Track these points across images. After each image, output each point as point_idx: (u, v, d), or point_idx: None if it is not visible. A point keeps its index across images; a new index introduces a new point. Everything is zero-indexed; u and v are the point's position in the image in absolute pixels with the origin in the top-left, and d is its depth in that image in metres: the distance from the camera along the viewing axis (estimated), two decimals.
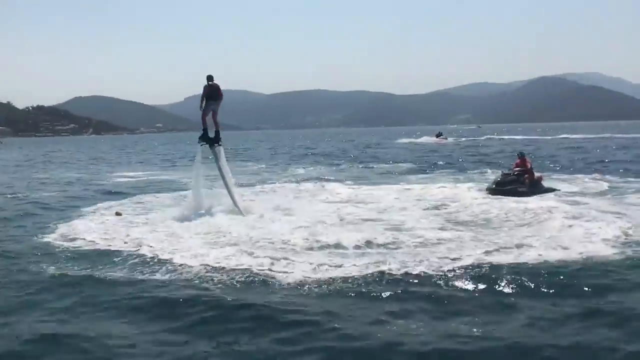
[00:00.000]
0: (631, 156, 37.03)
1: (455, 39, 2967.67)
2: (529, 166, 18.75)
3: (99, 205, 18.59)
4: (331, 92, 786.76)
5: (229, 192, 16.32)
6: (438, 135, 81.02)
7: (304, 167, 35.28)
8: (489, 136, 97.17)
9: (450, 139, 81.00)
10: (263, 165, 38.35)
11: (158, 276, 9.74)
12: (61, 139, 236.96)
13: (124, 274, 9.97)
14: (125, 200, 19.78)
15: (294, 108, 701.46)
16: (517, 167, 18.87)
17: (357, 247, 11.30)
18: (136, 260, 10.84)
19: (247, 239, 12.22)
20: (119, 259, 10.99)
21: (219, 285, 9.11)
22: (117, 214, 16.16)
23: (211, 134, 16.31)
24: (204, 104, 15.83)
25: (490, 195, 17.73)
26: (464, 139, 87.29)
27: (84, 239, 12.81)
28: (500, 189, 18.00)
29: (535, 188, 18.08)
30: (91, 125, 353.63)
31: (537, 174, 19.22)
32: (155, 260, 10.73)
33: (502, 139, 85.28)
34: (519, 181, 18.14)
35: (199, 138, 16.38)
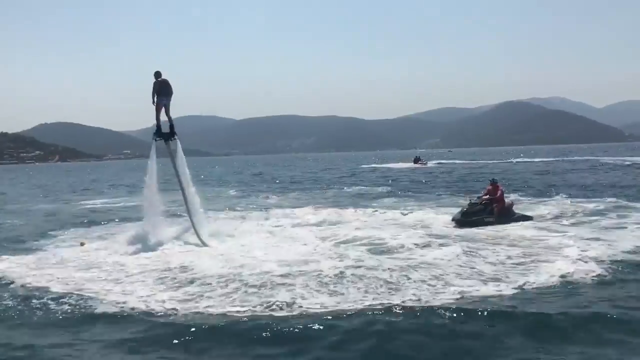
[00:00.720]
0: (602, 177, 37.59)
1: (422, 64, 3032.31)
2: (499, 194, 18.24)
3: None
4: (301, 117, 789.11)
5: (189, 214, 15.80)
6: (417, 160, 77.99)
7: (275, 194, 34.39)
8: (462, 161, 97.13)
9: (430, 164, 79.05)
10: (233, 191, 37.80)
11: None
12: (26, 166, 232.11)
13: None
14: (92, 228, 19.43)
15: (265, 133, 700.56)
16: (487, 194, 18.46)
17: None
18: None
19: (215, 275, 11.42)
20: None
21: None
22: (82, 244, 15.65)
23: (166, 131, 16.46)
24: (155, 99, 15.85)
25: (457, 227, 17.34)
26: (437, 162, 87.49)
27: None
28: (466, 219, 17.57)
29: (504, 217, 17.65)
30: (57, 152, 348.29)
31: (507, 201, 18.85)
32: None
33: (484, 162, 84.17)
34: (487, 210, 17.75)
35: (154, 134, 16.36)
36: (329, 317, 8.43)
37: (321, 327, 7.98)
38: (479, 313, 8.41)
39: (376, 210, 22.54)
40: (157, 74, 15.85)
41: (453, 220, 17.97)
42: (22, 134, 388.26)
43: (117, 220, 21.80)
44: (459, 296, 9.48)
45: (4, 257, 14.21)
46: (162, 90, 15.84)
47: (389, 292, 9.70)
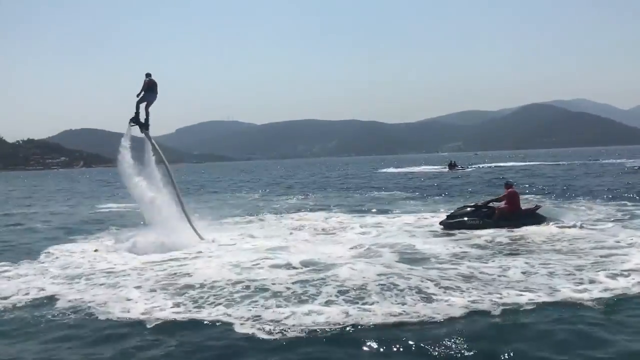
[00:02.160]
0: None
1: (444, 66, 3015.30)
2: (506, 197, 17.35)
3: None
4: (322, 121, 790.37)
5: (183, 209, 16.59)
6: (453, 166, 67.22)
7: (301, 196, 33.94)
8: (501, 164, 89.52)
9: (468, 168, 69.37)
10: (256, 196, 36.91)
11: None
12: (51, 172, 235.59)
13: None
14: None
15: (286, 138, 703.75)
16: (502, 198, 17.66)
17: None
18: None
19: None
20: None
21: None
22: (95, 250, 15.51)
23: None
24: (142, 94, 17.14)
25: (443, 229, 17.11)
26: (472, 167, 76.69)
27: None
28: (447, 222, 17.38)
29: (507, 221, 16.75)
30: (82, 158, 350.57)
31: (527, 206, 18.13)
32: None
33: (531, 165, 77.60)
34: (475, 213, 17.27)
35: (130, 120, 17.41)
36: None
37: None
38: None
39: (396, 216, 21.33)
40: (148, 75, 17.25)
41: (440, 223, 17.76)
42: (48, 141, 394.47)
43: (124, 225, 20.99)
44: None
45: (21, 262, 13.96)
46: (151, 87, 17.16)
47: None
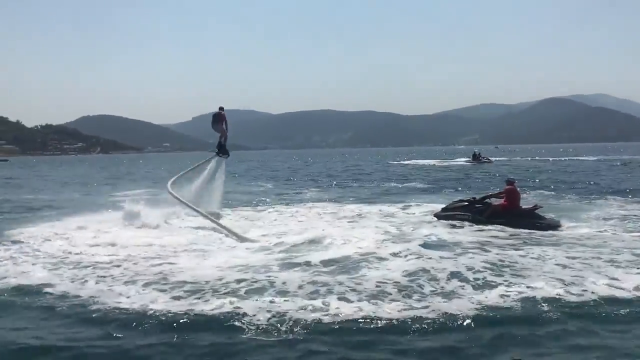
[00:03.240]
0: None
1: (461, 59, 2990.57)
2: (503, 194, 16.71)
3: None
4: (338, 112, 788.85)
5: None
6: (477, 157, 65.79)
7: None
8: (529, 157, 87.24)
9: (493, 159, 68.60)
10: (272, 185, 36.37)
11: None
12: (68, 157, 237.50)
13: None
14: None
15: (301, 128, 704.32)
16: (502, 194, 17.09)
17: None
18: None
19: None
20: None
21: None
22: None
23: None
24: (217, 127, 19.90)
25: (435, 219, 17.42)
26: (496, 158, 76.02)
27: None
28: (441, 213, 17.69)
29: (499, 218, 16.13)
30: (99, 144, 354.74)
31: (527, 206, 17.02)
32: None
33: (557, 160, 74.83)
34: (467, 208, 16.94)
35: (216, 149, 20.28)
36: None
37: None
38: None
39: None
40: (220, 109, 19.87)
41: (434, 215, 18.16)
42: (66, 126, 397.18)
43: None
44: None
45: None
46: (218, 119, 19.71)
47: None
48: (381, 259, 11.40)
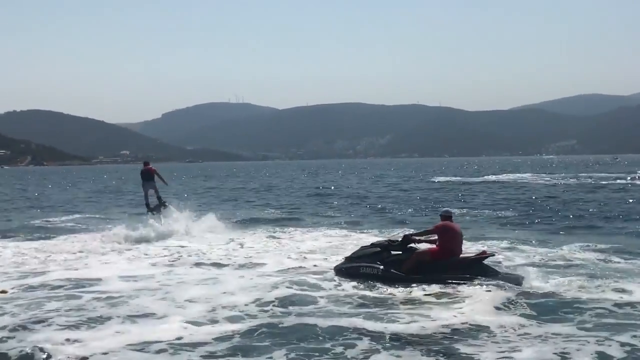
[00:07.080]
0: None
1: (550, 34, 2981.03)
2: (432, 230, 16.76)
3: None
4: (370, 106, 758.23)
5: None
6: None
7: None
8: None
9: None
10: None
11: None
12: None
13: None
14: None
15: (317, 129, 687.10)
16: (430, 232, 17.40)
17: None
18: None
19: None
20: None
21: None
22: (3, 291, 16.31)
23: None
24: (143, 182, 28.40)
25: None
26: None
27: None
28: (340, 266, 16.93)
29: (422, 274, 15.67)
30: (29, 151, 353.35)
31: (469, 254, 16.81)
32: None
33: None
34: (379, 257, 16.56)
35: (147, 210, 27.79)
36: None
37: None
38: None
39: None
40: (145, 163, 27.26)
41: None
42: None
43: None
44: None
45: None
46: (144, 176, 27.14)
47: None
48: None
